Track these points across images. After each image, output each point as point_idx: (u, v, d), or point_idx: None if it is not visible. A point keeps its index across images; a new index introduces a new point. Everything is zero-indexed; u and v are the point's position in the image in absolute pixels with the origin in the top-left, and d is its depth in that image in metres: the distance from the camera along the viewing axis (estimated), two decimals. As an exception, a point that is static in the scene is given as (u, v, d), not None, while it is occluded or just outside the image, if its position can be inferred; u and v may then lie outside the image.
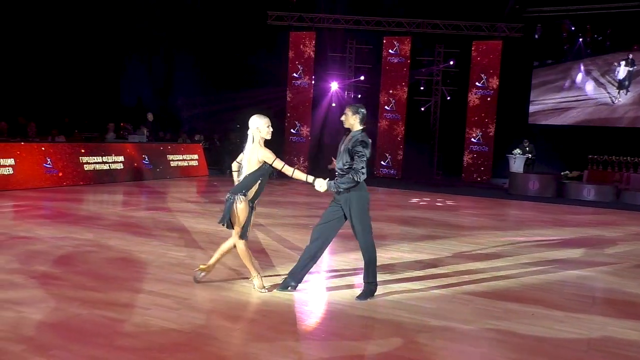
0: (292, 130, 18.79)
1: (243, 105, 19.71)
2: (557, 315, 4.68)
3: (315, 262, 5.01)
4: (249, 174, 4.77)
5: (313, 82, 18.78)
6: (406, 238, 7.89)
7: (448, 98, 19.51)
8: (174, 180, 14.46)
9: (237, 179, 4.98)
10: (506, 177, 15.94)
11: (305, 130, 18.75)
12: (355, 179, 4.62)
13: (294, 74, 18.73)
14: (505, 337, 4.13)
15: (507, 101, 18.25)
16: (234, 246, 4.92)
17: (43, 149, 11.79)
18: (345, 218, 4.86)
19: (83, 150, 12.64)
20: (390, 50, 18.39)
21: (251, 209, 4.85)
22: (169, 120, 19.86)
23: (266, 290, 4.86)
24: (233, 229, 4.82)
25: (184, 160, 15.74)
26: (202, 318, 4.20)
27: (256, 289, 4.87)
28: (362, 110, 4.86)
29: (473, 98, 18.09)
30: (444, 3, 18.00)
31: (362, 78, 19.93)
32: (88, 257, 5.83)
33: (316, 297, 4.88)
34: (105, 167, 13.04)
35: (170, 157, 15.25)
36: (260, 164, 4.75)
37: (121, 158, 13.53)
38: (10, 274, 5.05)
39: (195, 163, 16.16)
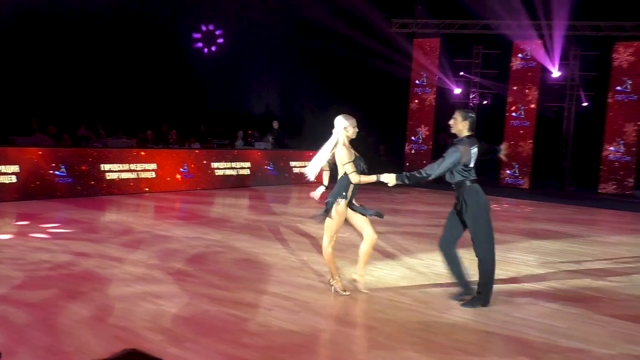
0: (412, 137, 18.59)
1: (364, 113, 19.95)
2: None
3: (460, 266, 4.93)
4: (344, 175, 4.76)
5: (435, 88, 18.45)
6: (536, 252, 7.43)
7: (585, 104, 18.11)
8: (294, 186, 14.93)
9: (325, 179, 5.13)
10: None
11: (426, 137, 18.45)
12: (426, 173, 4.60)
13: (417, 81, 18.53)
14: (650, 366, 3.73)
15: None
16: (372, 242, 4.90)
17: (180, 155, 12.81)
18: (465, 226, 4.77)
19: (214, 157, 13.51)
20: (519, 55, 17.51)
21: (348, 208, 4.82)
22: (293, 128, 20.56)
23: (348, 293, 4.91)
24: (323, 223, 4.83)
25: (304, 167, 16.21)
26: (322, 322, 4.27)
27: (339, 291, 4.91)
28: (472, 115, 4.76)
29: (613, 103, 16.61)
30: (582, 3, 16.75)
31: (489, 83, 19.18)
32: (217, 257, 6.20)
33: (437, 308, 4.76)
34: (234, 172, 13.81)
35: (293, 163, 15.78)
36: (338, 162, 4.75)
37: (248, 164, 14.26)
38: (152, 269, 5.52)
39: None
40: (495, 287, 5.39)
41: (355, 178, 4.69)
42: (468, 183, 4.69)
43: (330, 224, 4.81)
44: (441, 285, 5.46)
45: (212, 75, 21.13)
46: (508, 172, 17.73)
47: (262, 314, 4.35)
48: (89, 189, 10.73)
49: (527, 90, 17.43)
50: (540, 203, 13.81)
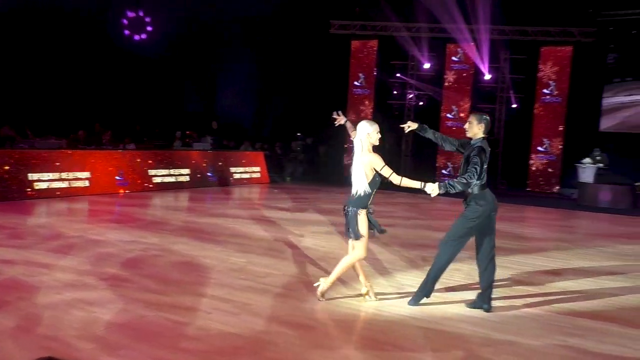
0: (351, 138, 18.79)
1: (304, 114, 19.98)
2: (632, 334, 4.40)
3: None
4: (369, 183, 4.63)
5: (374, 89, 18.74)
6: (468, 249, 7.66)
7: (514, 106, 18.90)
8: (235, 187, 14.76)
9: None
10: (575, 188, 15.24)
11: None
12: (462, 182, 4.57)
13: (355, 82, 18.75)
14: (575, 354, 3.93)
15: (577, 109, 17.49)
16: (362, 259, 4.85)
17: (115, 157, 12.36)
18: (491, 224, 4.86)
19: (150, 162, 13.09)
20: (453, 58, 18.06)
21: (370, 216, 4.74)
22: (232, 128, 20.32)
23: (323, 300, 4.81)
24: (357, 239, 4.67)
25: (246, 167, 16.05)
26: (262, 323, 4.23)
27: (318, 297, 4.81)
28: (487, 117, 4.84)
29: (540, 106, 17.45)
30: (511, 9, 17.47)
31: (424, 85, 19.67)
32: (154, 261, 6.03)
33: (377, 307, 4.81)
34: (171, 174, 13.47)
35: (232, 164, 15.59)
36: (374, 172, 4.63)
37: (186, 166, 13.96)
38: (83, 275, 5.29)
39: (257, 170, 16.44)
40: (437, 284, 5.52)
41: (396, 179, 4.58)
42: (476, 190, 4.71)
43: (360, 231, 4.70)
44: (381, 284, 5.54)
45: (146, 70, 20.36)
46: (444, 172, 18.25)
47: (201, 318, 4.27)
48: (14, 193, 10.17)
49: (460, 92, 18.01)
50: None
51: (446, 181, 4.60)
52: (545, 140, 17.32)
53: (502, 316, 4.68)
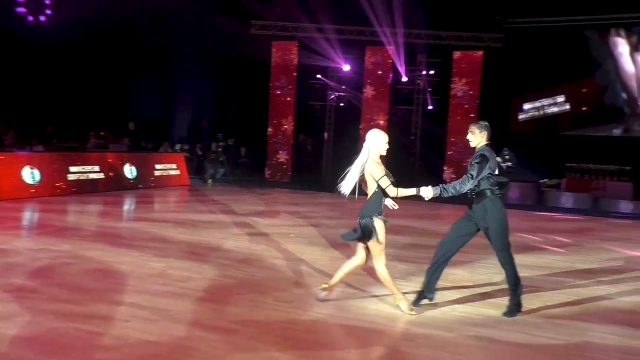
0: (273, 139, 18.78)
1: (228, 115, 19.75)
2: (537, 322, 4.70)
3: (440, 271, 4.98)
4: (376, 191, 4.67)
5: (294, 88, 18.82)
6: (391, 246, 7.87)
7: (430, 107, 19.64)
8: (154, 190, 14.31)
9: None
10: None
11: (286, 139, 18.74)
12: (464, 185, 4.66)
13: (277, 83, 18.74)
14: (486, 343, 4.14)
15: (488, 111, 18.43)
16: (359, 266, 4.86)
17: (22, 158, 11.60)
18: (477, 231, 4.88)
19: (62, 163, 12.44)
20: (372, 60, 18.49)
21: (385, 221, 4.69)
22: (151, 129, 19.68)
23: (414, 313, 4.70)
24: (365, 243, 4.71)
25: (165, 169, 15.61)
26: (182, 329, 4.13)
27: (405, 312, 4.71)
28: (486, 124, 4.95)
29: (454, 107, 18.24)
30: (427, 13, 18.15)
31: (344, 87, 20.00)
32: (66, 269, 5.72)
33: (300, 306, 4.84)
34: (84, 177, 12.85)
35: (151, 166, 15.10)
36: (370, 178, 4.66)
37: (99, 168, 13.36)
38: (-15, 287, 4.93)
39: (176, 172, 16.02)
40: (354, 281, 5.64)
41: (392, 191, 4.59)
42: (489, 193, 4.78)
43: (376, 245, 4.64)
44: (304, 284, 5.57)
45: (55, 68, 19.10)
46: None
47: (117, 327, 4.10)
48: None
49: (379, 94, 18.47)
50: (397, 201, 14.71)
51: (440, 185, 4.71)
52: (458, 140, 18.12)
53: (419, 311, 4.84)
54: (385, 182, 4.59)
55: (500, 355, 3.94)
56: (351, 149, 19.03)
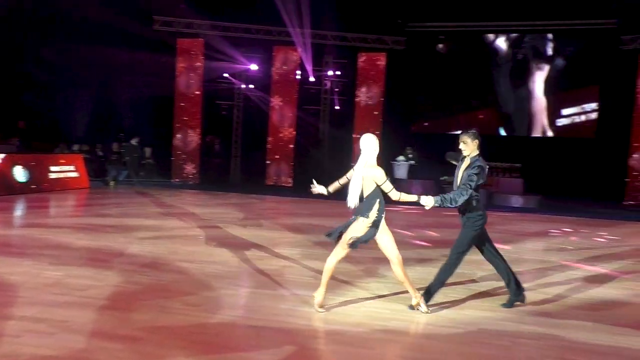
0: (179, 139, 18.26)
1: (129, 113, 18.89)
2: (446, 313, 4.92)
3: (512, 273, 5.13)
4: (370, 194, 4.66)
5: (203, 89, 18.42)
6: (299, 245, 7.93)
7: (337, 107, 20.01)
8: (50, 194, 13.41)
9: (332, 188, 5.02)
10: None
11: (194, 139, 18.29)
12: (463, 195, 4.74)
13: (183, 81, 18.23)
14: (394, 336, 4.27)
15: (392, 111, 19.12)
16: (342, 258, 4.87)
17: None
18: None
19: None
20: (280, 60, 18.52)
21: (376, 228, 4.68)
22: (46, 128, 18.39)
23: (429, 311, 4.80)
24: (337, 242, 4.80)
25: (62, 171, 14.65)
26: (83, 341, 3.89)
27: (422, 311, 4.80)
28: (477, 132, 5.01)
29: (359, 107, 18.70)
30: (333, 14, 18.45)
31: (251, 86, 19.85)
32: (-53, 282, 5.20)
33: (209, 309, 4.73)
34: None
35: (45, 168, 14.11)
36: (373, 183, 4.66)
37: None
38: None
39: (75, 175, 15.09)
40: (262, 282, 5.61)
41: (395, 195, 4.65)
42: (475, 203, 4.88)
43: (387, 243, 4.71)
44: (213, 287, 5.46)
45: None
46: (273, 170, 18.63)
47: (7, 343, 3.78)
48: None
49: (287, 94, 18.54)
50: (304, 199, 14.82)
51: (440, 195, 4.78)
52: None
53: (328, 308, 4.90)
54: (389, 186, 4.67)
55: (407, 347, 4.08)
56: (261, 148, 18.94)
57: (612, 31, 17.42)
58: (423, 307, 4.81)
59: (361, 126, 18.65)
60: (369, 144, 4.78)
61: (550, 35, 18.98)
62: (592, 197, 16.47)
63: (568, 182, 17.16)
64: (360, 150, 4.81)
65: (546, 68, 19.19)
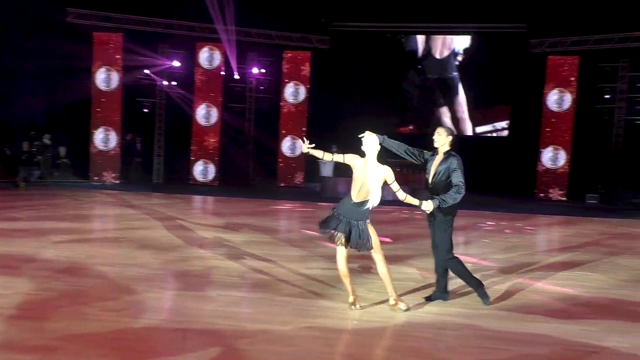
0: (96, 138, 17.50)
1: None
2: (368, 308, 5.02)
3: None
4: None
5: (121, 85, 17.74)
6: (226, 245, 7.83)
7: (262, 107, 19.91)
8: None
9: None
10: (318, 181, 16.85)
11: (111, 137, 17.59)
12: (460, 193, 4.85)
13: (99, 77, 17.48)
14: (321, 333, 4.31)
15: (318, 109, 19.29)
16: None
17: None
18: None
19: None
20: (204, 57, 18.17)
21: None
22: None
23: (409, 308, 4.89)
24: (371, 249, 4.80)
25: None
26: (-9, 353, 3.65)
27: (402, 308, 4.87)
28: (453, 130, 5.15)
29: (285, 105, 18.72)
30: (258, 12, 18.33)
31: (174, 83, 19.35)
32: None
33: (131, 314, 4.57)
34: None
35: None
36: (382, 182, 4.74)
37: None
38: None
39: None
40: (186, 283, 5.50)
41: (402, 195, 4.77)
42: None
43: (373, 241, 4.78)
44: (135, 291, 5.28)
45: None
46: (198, 169, 18.28)
47: None
48: None
49: (211, 91, 18.24)
50: (229, 199, 14.65)
51: (439, 197, 4.87)
52: (291, 137, 18.65)
53: (256, 307, 4.88)
54: (396, 186, 4.80)
55: (333, 343, 4.14)
56: (184, 147, 18.50)
57: (522, 35, 18.51)
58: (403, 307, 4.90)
59: (286, 125, 18.71)
60: (373, 143, 4.85)
61: (461, 38, 19.74)
62: (507, 192, 17.44)
63: (484, 179, 18.05)
64: (365, 149, 4.92)
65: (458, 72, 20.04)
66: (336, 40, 19.64)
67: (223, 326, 4.35)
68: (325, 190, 16.06)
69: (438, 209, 4.96)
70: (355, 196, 4.82)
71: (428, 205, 4.87)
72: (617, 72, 18.17)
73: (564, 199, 17.64)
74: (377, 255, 4.86)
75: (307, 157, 18.65)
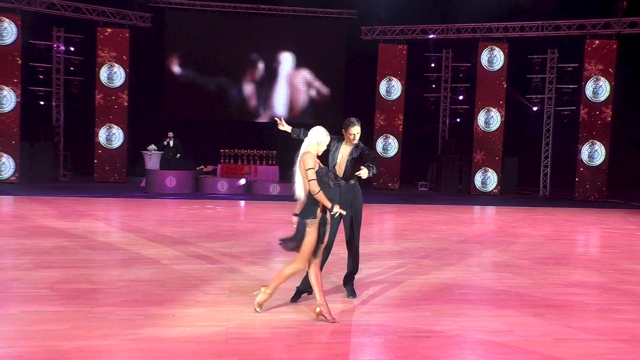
0: None
1: None
2: (200, 312, 4.93)
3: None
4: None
5: None
6: (29, 253, 7.12)
7: (73, 90, 18.45)
8: None
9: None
10: (144, 175, 16.08)
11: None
12: (376, 168, 5.07)
13: None
14: (148, 344, 4.13)
15: (140, 94, 18.44)
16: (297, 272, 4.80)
17: None
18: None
19: None
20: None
21: (325, 223, 4.70)
22: None
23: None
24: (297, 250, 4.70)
25: None
26: None
27: (323, 317, 4.74)
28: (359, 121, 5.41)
29: (102, 89, 17.57)
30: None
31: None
32: None
33: None
34: None
35: None
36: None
37: None
38: None
39: None
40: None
41: (314, 187, 4.56)
42: (354, 180, 5.36)
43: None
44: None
45: None
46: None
47: None
48: None
49: (7, 74, 16.44)
50: (33, 197, 13.38)
51: (368, 166, 5.01)
52: (107, 127, 17.60)
53: (71, 322, 4.51)
54: (312, 175, 4.60)
55: (163, 354, 3.99)
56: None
57: (354, 21, 19.74)
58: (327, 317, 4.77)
59: (104, 111, 17.60)
60: (314, 135, 4.79)
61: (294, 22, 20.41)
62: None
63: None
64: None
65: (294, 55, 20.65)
66: (160, 18, 18.97)
67: (28, 349, 3.95)
68: (151, 184, 15.40)
69: (357, 193, 5.38)
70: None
71: (337, 208, 4.70)
72: (442, 62, 20.17)
73: (396, 187, 19.04)
74: (296, 265, 4.75)
75: (132, 149, 17.79)
